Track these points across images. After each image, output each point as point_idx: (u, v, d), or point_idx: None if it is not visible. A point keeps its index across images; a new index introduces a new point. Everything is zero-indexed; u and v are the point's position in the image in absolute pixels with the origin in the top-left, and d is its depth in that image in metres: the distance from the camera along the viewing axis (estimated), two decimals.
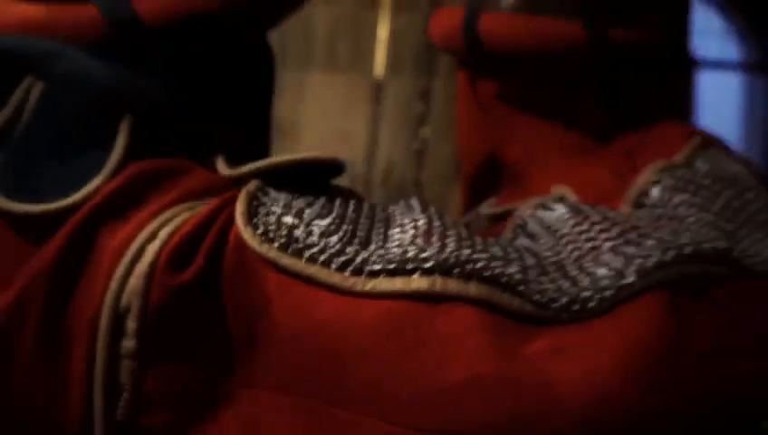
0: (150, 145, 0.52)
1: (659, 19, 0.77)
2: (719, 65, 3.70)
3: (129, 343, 0.45)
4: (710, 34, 3.54)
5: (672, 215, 0.60)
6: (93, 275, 0.46)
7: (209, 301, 0.46)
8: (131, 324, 0.45)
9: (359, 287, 0.45)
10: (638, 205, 0.65)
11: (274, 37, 2.70)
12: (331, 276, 0.45)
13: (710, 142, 0.73)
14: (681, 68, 0.84)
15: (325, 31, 3.16)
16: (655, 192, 0.66)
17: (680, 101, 0.84)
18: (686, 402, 0.44)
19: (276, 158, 0.52)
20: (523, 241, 0.56)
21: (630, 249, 0.50)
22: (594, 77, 0.76)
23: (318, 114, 3.15)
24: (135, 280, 0.45)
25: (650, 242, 0.51)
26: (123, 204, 0.48)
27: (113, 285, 0.45)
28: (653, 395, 0.43)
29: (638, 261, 0.49)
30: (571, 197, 0.64)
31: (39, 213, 0.47)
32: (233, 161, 0.53)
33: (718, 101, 7.52)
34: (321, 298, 0.45)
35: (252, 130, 0.65)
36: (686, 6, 0.83)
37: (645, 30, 0.74)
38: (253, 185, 0.49)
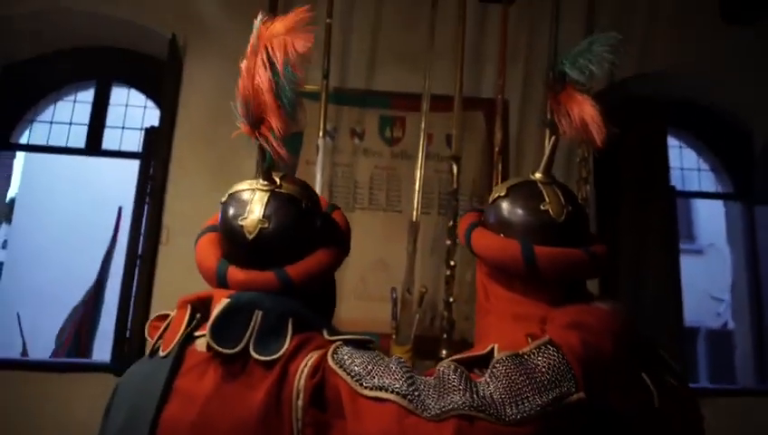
0: (300, 328, 1.13)
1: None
2: (701, 195, 4.18)
3: (300, 403, 1.07)
4: (693, 170, 4.01)
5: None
6: (290, 380, 1.07)
7: (322, 388, 1.07)
8: (302, 396, 1.06)
9: (359, 390, 1.04)
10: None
11: (327, 183, 3.45)
12: (349, 380, 1.05)
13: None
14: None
15: (366, 178, 3.52)
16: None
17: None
18: None
19: (347, 335, 1.14)
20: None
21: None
22: (585, 280, 1.21)
23: (361, 246, 3.10)
24: (302, 381, 1.07)
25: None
26: (294, 354, 1.10)
27: (295, 383, 1.07)
28: None
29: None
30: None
31: (268, 360, 1.09)
32: (329, 332, 1.16)
33: (711, 225, 7.74)
34: (344, 386, 1.05)
35: (329, 312, 1.32)
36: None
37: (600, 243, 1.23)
38: (335, 345, 1.11)
